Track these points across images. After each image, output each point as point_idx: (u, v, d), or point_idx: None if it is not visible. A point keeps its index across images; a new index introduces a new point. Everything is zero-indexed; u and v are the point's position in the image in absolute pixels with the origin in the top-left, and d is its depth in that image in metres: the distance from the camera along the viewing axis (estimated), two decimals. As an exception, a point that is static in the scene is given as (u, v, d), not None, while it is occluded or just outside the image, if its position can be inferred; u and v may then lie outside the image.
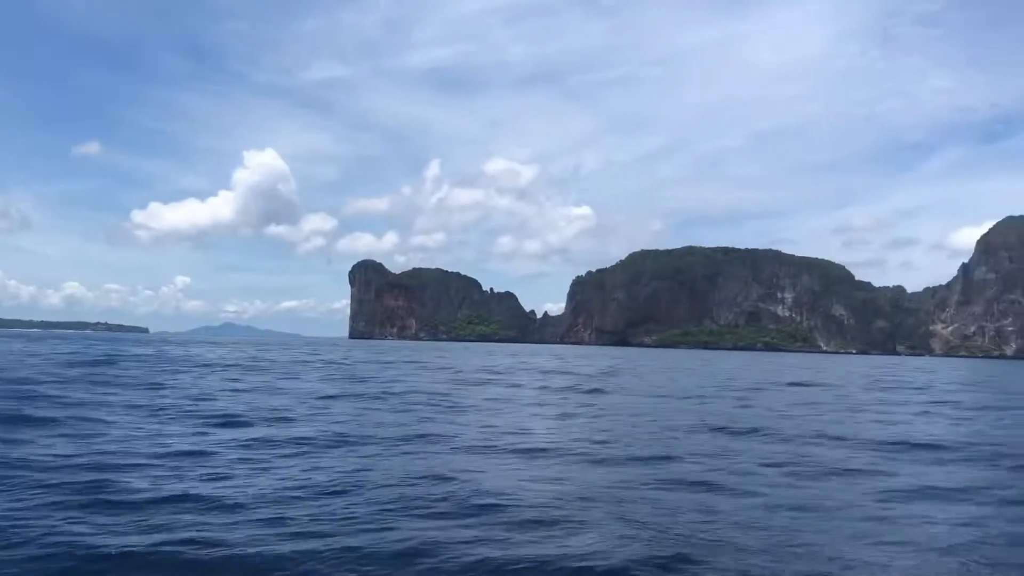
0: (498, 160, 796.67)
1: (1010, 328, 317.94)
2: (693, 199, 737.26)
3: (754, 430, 18.17)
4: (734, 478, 12.03)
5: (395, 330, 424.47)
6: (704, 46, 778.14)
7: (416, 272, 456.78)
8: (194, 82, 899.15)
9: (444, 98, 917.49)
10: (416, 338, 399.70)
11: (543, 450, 14.18)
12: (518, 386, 32.38)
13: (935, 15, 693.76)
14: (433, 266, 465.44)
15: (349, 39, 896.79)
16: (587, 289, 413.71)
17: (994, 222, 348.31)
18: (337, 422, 17.41)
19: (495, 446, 14.50)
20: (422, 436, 15.46)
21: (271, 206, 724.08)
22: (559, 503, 9.81)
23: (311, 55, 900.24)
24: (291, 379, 33.26)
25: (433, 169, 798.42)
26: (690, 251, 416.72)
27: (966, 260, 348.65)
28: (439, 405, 22.48)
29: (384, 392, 26.64)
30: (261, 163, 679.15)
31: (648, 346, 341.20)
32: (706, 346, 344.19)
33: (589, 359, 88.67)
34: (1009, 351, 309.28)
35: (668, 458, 13.68)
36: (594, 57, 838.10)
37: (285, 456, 12.77)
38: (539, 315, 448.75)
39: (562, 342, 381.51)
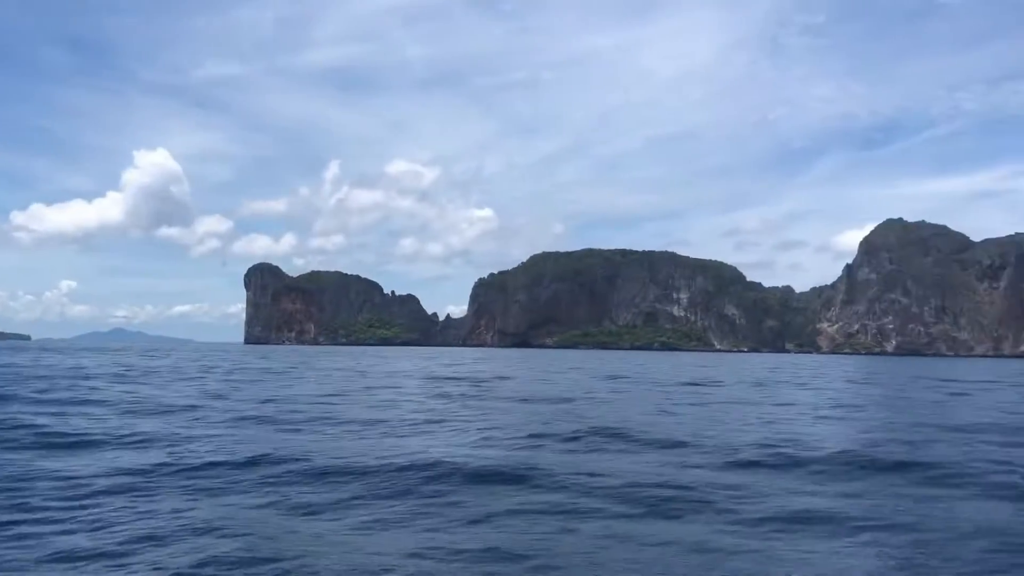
0: (399, 161, 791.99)
1: (890, 326, 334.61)
2: (593, 202, 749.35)
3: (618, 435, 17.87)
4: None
5: (293, 335, 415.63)
6: (602, 51, 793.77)
7: (315, 275, 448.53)
8: (80, 78, 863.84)
9: (343, 98, 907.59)
10: (315, 343, 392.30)
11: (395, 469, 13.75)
12: (397, 389, 31.98)
13: (820, 27, 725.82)
14: (332, 269, 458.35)
15: (244, 37, 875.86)
16: (489, 291, 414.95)
17: (875, 224, 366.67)
18: (172, 445, 15.53)
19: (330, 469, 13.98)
20: (264, 456, 13.95)
21: (163, 207, 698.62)
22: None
23: (204, 53, 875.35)
24: (158, 388, 31.87)
25: (332, 170, 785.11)
26: (590, 253, 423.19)
27: (850, 261, 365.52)
28: (306, 417, 21.71)
29: (250, 402, 25.79)
30: (152, 163, 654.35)
31: (549, 347, 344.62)
32: (605, 346, 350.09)
33: (487, 362, 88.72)
34: (889, 347, 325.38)
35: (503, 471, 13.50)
36: (494, 60, 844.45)
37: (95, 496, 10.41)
38: (441, 318, 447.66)
39: (465, 344, 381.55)
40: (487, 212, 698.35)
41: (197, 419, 19.88)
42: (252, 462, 12.97)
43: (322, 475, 12.04)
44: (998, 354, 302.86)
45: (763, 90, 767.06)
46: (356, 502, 10.42)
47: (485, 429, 18.37)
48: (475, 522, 9.45)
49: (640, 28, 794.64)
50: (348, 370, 55.51)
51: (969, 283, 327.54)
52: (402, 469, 12.37)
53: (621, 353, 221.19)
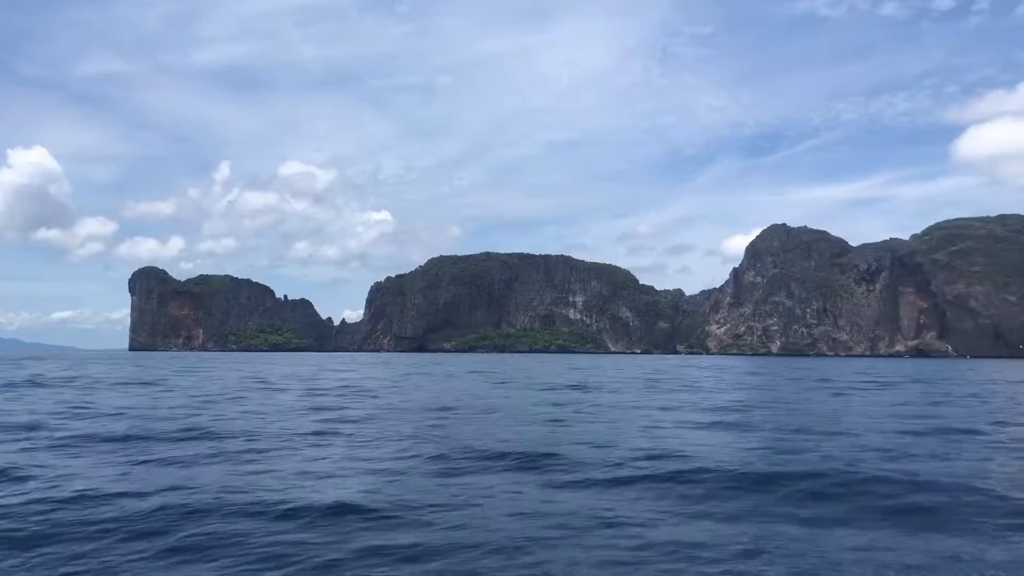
0: (293, 163, 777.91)
1: (775, 327, 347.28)
2: (491, 205, 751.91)
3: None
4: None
5: (180, 341, 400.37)
6: (499, 57, 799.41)
7: (203, 279, 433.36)
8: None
9: (234, 97, 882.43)
10: (203, 349, 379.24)
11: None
12: (275, 397, 30.17)
13: (709, 37, 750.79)
14: (222, 273, 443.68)
15: (129, 32, 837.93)
16: (386, 295, 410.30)
17: (761, 230, 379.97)
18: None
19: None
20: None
21: (41, 209, 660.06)
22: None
23: (86, 47, 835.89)
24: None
25: (223, 171, 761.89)
26: (488, 257, 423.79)
27: (737, 265, 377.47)
28: (165, 436, 19.79)
29: (101, 414, 23.57)
30: (29, 162, 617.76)
31: (447, 351, 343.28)
32: (503, 350, 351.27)
33: (380, 367, 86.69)
34: (774, 348, 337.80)
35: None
36: (391, 62, 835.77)
37: None
38: (337, 322, 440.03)
39: (361, 349, 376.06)
40: (384, 215, 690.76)
41: (29, 440, 17.79)
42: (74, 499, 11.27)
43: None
44: (874, 353, 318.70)
45: (655, 98, 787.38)
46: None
47: (346, 455, 16.99)
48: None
49: (536, 34, 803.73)
50: (225, 379, 52.80)
51: (848, 286, 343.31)
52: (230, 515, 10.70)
53: (518, 356, 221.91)
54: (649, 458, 15.14)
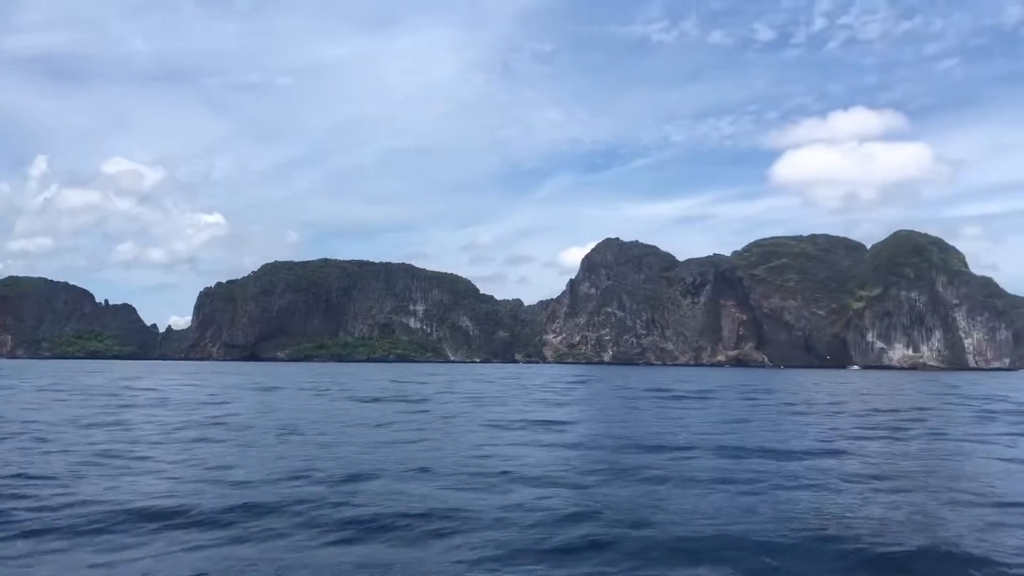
0: (118, 160, 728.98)
1: (607, 337, 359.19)
2: (330, 212, 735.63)
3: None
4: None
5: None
6: (341, 61, 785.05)
7: (13, 281, 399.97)
8: None
9: (52, 89, 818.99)
10: (12, 356, 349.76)
11: None
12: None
13: (549, 54, 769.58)
14: (35, 275, 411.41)
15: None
16: (216, 301, 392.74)
17: (595, 243, 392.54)
18: None
19: None
20: None
21: None
22: None
23: None
24: None
25: (39, 166, 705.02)
26: (326, 263, 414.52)
27: (573, 276, 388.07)
28: None
29: None
30: None
31: (281, 360, 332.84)
32: (340, 359, 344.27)
33: (202, 377, 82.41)
34: (607, 357, 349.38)
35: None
36: (226, 60, 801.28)
37: None
38: (162, 329, 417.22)
39: (187, 358, 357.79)
40: (216, 218, 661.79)
41: None
42: None
43: None
44: (698, 363, 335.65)
45: (497, 111, 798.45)
46: None
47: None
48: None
49: (380, 41, 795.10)
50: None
51: (675, 299, 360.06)
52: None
53: (353, 366, 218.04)
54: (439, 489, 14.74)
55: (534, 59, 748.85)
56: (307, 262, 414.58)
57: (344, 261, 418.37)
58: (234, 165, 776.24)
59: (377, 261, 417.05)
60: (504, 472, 15.80)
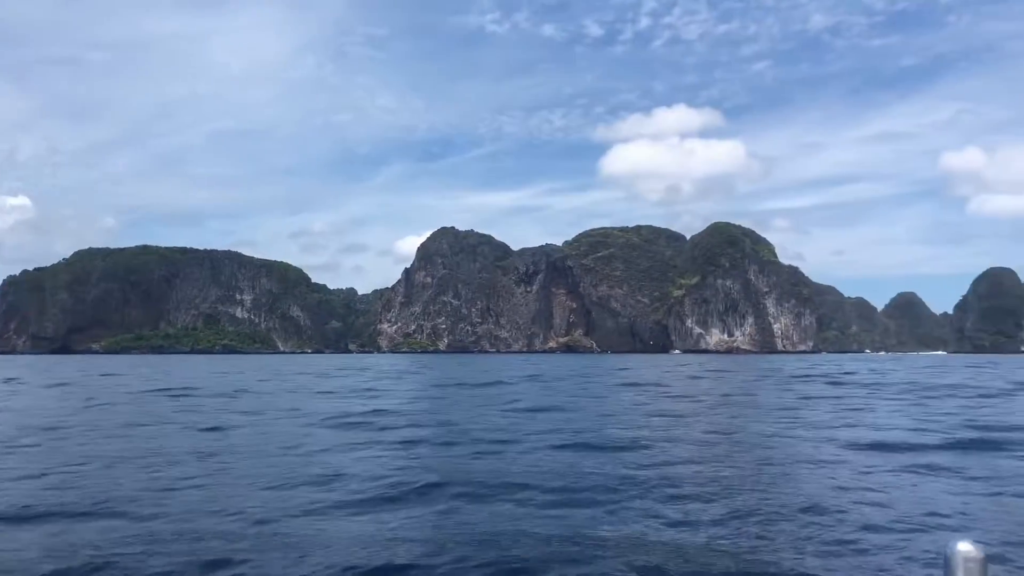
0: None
1: (443, 326, 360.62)
2: (150, 196, 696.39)
3: None
4: None
5: None
6: (164, 37, 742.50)
7: None
8: None
9: None
10: None
11: None
12: None
13: (383, 40, 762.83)
14: None
15: None
16: (22, 290, 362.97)
17: (431, 231, 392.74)
18: None
19: None
20: None
21: None
22: None
23: None
24: None
25: None
26: (145, 250, 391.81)
27: (408, 265, 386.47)
28: None
29: None
30: None
31: (96, 352, 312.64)
32: (161, 351, 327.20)
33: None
34: (442, 345, 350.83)
35: None
36: (34, 31, 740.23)
37: None
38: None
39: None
40: (22, 200, 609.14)
41: None
42: None
43: None
44: (531, 350, 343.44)
45: (330, 95, 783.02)
46: None
47: None
48: None
49: (206, 18, 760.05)
50: None
51: (509, 287, 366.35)
52: None
53: (176, 358, 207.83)
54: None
55: (367, 43, 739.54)
56: (124, 249, 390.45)
57: (165, 248, 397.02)
58: (42, 144, 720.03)
59: (201, 248, 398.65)
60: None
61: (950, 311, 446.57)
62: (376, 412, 26.67)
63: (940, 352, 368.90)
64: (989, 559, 2.32)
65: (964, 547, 2.36)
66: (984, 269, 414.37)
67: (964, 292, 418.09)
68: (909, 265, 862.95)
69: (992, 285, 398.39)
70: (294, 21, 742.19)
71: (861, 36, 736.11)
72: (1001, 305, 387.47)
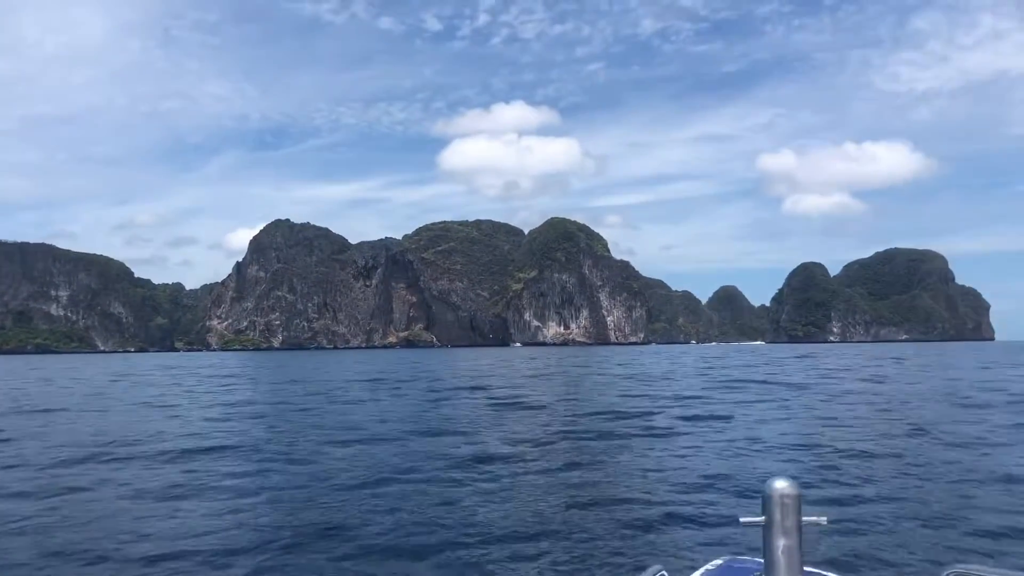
0: None
1: (277, 322, 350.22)
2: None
3: None
4: None
5: None
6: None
7: None
8: None
9: None
10: None
11: None
12: None
13: (214, 25, 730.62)
14: None
15: None
16: None
17: (265, 224, 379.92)
18: None
19: None
20: None
21: None
22: None
23: None
24: None
25: None
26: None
27: (240, 259, 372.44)
28: None
29: None
30: None
31: None
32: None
33: None
34: (276, 342, 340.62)
35: None
36: None
37: None
38: None
39: None
40: None
41: None
42: None
43: None
44: (370, 345, 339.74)
45: (156, 80, 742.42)
46: None
47: None
48: None
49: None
50: None
51: (347, 281, 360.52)
52: None
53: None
54: None
55: (197, 28, 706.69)
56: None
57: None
58: None
59: (11, 241, 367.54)
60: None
61: (768, 303, 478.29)
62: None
63: (759, 342, 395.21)
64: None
65: (781, 484, 2.51)
66: (797, 264, 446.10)
67: (780, 285, 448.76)
68: (730, 260, 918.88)
69: (804, 279, 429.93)
70: (116, 1, 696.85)
71: (687, 41, 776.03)
72: (812, 297, 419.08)
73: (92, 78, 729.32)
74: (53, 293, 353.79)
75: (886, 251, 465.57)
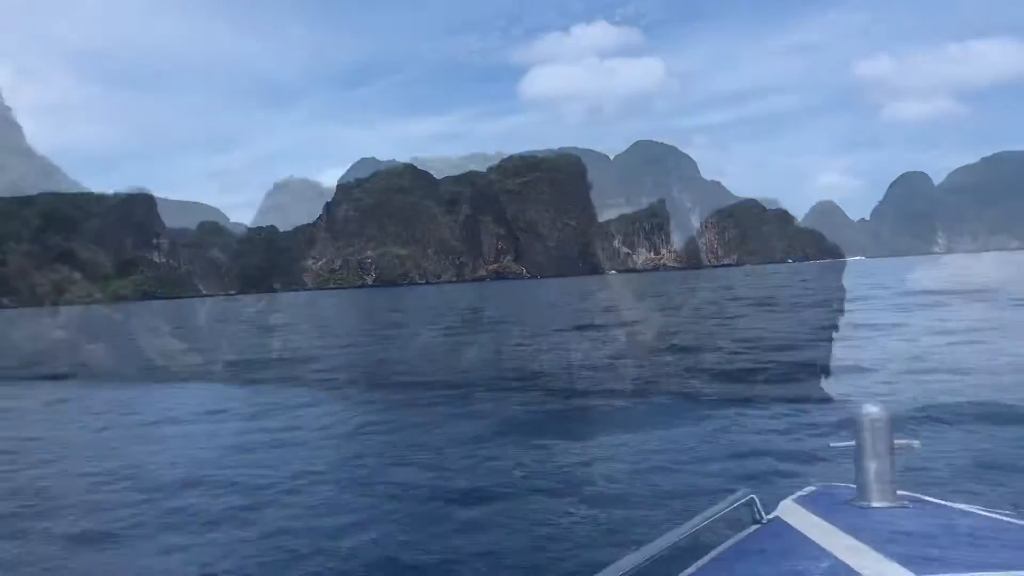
0: None
1: (369, 260, 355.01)
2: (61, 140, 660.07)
3: None
4: None
5: None
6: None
7: None
8: None
9: None
10: None
11: None
12: None
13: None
14: None
15: None
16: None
17: (352, 163, 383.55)
18: None
19: None
20: None
21: None
22: None
23: None
24: None
25: None
26: (57, 198, 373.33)
27: (329, 199, 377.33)
28: None
29: None
30: None
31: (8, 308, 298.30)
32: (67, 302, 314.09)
33: None
34: (370, 280, 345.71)
35: None
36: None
37: None
38: None
39: None
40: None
41: None
42: None
43: None
44: (460, 279, 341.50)
45: (241, 27, 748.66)
46: None
47: None
48: None
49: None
50: None
51: (435, 216, 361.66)
52: None
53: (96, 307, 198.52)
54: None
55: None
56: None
57: (72, 194, 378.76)
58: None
59: (111, 193, 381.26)
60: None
61: (867, 217, 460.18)
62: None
63: (860, 257, 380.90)
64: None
65: (871, 408, 2.51)
66: (898, 175, 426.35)
67: (879, 198, 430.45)
68: (826, 174, 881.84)
69: (906, 189, 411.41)
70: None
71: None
72: (915, 208, 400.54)
73: (175, 29, 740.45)
74: (155, 241, 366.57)
75: (994, 155, 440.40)
